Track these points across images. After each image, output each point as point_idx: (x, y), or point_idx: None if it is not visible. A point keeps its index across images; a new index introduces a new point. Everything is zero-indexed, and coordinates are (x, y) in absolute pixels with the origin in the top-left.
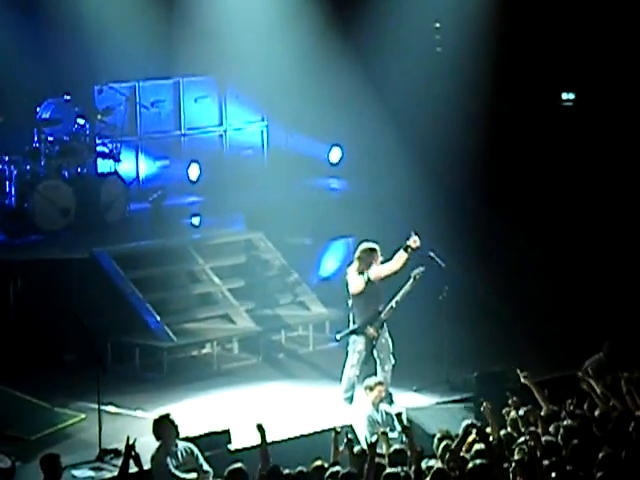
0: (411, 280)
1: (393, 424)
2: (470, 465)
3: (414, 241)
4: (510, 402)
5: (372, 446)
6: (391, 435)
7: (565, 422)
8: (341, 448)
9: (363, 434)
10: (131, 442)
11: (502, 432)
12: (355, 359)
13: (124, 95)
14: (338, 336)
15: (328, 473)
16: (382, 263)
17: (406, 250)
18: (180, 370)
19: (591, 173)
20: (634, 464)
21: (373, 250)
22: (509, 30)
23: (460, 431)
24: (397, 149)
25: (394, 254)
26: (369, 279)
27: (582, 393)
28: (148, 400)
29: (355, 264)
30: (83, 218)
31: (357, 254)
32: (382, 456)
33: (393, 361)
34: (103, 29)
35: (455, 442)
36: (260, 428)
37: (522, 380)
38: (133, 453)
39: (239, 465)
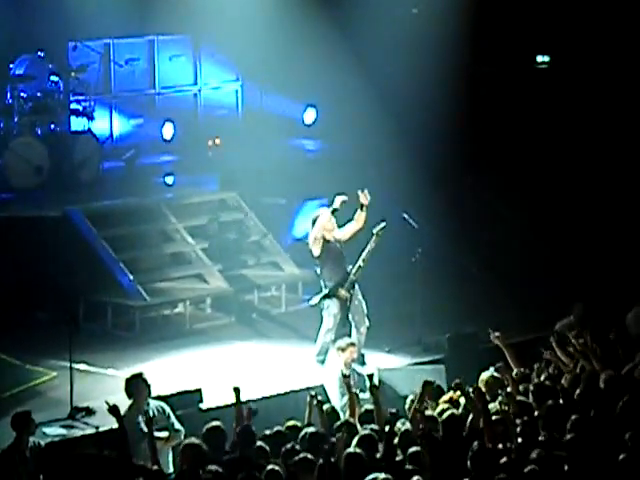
0: (374, 237)
1: (364, 385)
2: (445, 416)
3: (364, 196)
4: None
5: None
6: (362, 396)
7: (535, 382)
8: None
9: (335, 395)
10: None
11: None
12: (331, 323)
13: (98, 53)
14: (312, 302)
15: (302, 434)
16: (340, 226)
17: (362, 208)
18: (152, 329)
19: (569, 136)
20: (603, 425)
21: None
22: None
23: (418, 389)
24: (372, 110)
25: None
26: (329, 240)
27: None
28: (120, 358)
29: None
30: (56, 176)
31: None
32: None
33: (367, 323)
34: None
35: (415, 400)
36: (236, 390)
37: (493, 341)
38: (110, 404)
39: (217, 423)
